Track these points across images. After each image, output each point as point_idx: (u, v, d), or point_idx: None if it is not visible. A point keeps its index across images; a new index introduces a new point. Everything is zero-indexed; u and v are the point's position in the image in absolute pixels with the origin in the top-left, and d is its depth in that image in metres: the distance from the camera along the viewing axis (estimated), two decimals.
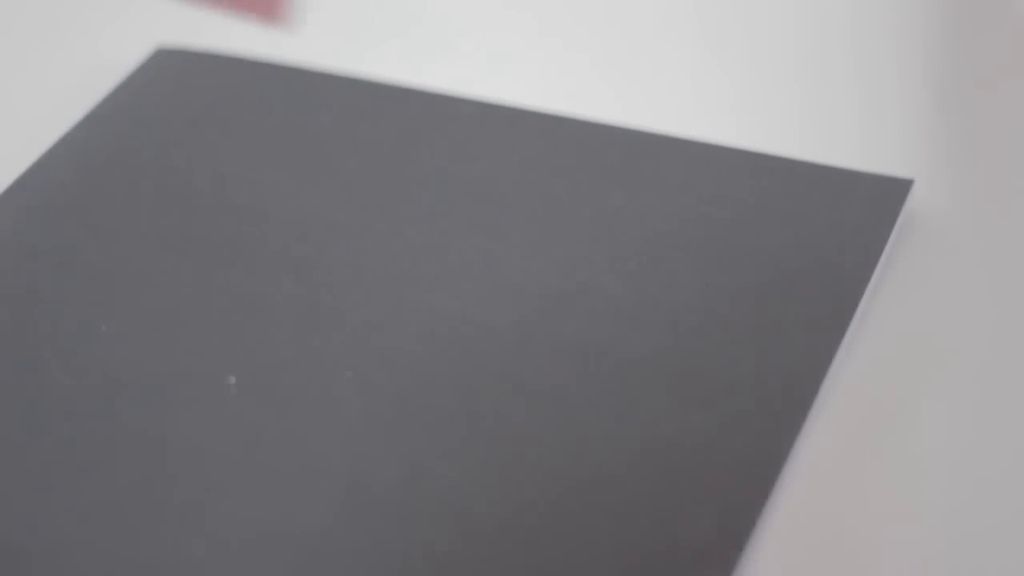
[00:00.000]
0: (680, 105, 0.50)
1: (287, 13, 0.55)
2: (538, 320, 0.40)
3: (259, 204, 0.45)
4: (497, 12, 0.56)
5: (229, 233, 0.44)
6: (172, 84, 0.50)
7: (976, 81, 0.51)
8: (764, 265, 0.41)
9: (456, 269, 0.42)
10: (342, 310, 0.41)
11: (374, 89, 0.49)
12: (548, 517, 0.35)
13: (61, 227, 0.45)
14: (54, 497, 0.36)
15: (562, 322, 0.40)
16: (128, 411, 0.38)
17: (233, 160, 0.47)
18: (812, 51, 0.53)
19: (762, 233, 0.43)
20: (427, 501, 0.35)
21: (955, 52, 0.53)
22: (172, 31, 0.53)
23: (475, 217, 0.44)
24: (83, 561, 0.34)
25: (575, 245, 0.43)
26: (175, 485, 0.36)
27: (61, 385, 0.39)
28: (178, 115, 0.49)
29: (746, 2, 0.56)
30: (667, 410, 0.37)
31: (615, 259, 0.42)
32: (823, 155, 0.45)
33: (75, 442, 0.37)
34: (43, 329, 0.41)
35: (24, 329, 0.41)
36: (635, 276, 0.41)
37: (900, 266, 0.42)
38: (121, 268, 0.43)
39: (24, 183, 0.46)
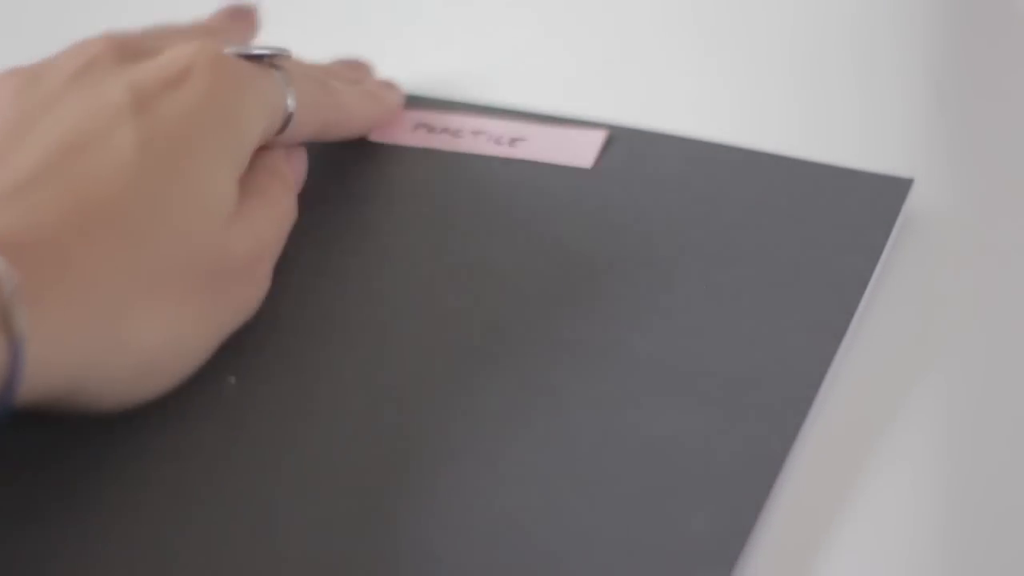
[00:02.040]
0: (680, 104, 0.50)
1: None
2: (536, 317, 0.40)
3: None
4: (495, 12, 0.56)
5: None
6: None
7: (976, 81, 0.51)
8: (764, 264, 0.41)
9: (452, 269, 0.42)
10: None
11: None
12: (548, 516, 0.34)
13: None
14: (54, 497, 0.36)
15: (561, 320, 0.40)
16: (129, 411, 0.38)
17: None
18: (812, 51, 0.53)
19: (762, 232, 0.43)
20: (426, 501, 0.35)
21: (955, 52, 0.53)
22: None
23: None
24: (84, 562, 0.34)
25: (574, 239, 0.43)
26: (174, 485, 0.36)
27: None
28: None
29: (746, 2, 0.56)
30: (667, 410, 0.37)
31: (613, 258, 0.42)
32: (823, 154, 0.45)
33: (75, 442, 0.37)
34: None
35: None
36: (633, 275, 0.41)
37: (900, 266, 0.42)
38: None
39: None
